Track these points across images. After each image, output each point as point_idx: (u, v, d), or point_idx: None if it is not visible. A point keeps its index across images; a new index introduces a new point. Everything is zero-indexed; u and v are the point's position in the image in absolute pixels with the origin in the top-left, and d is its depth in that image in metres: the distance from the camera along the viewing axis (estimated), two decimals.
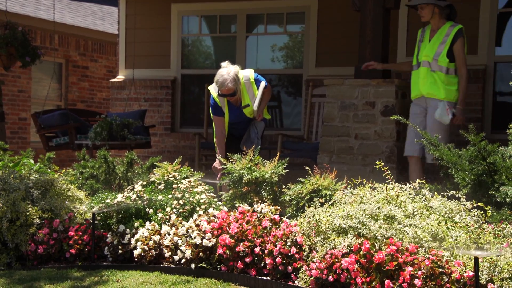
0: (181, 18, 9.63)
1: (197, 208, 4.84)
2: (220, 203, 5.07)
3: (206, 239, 4.40)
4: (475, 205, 3.94)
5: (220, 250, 4.31)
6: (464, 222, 3.75)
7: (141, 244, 4.63)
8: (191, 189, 5.05)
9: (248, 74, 6.24)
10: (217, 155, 6.12)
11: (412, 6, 6.10)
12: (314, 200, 4.54)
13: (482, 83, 7.72)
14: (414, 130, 5.72)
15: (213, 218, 4.57)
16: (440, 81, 5.84)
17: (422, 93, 5.92)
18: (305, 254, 4.03)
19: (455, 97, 5.87)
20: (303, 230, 4.07)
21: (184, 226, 4.60)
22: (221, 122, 6.25)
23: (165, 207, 4.87)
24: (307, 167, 4.93)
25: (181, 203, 4.87)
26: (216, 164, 6.00)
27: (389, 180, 4.30)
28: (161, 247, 4.64)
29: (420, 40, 6.05)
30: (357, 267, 3.65)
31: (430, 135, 4.90)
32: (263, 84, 6.24)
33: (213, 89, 6.24)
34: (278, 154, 5.42)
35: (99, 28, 13.40)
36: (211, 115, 6.35)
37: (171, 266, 4.53)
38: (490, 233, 3.59)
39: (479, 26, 7.74)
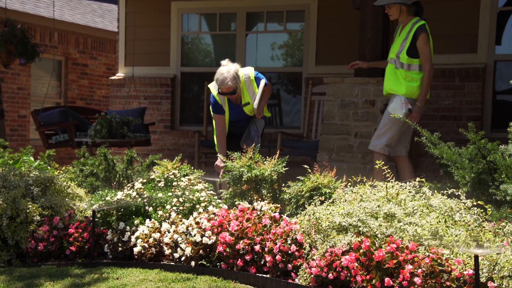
0: (181, 16, 9.63)
1: (197, 206, 4.84)
2: (220, 200, 5.07)
3: (206, 236, 4.40)
4: (475, 203, 3.94)
5: (220, 248, 4.31)
6: (464, 220, 3.75)
7: (141, 241, 4.64)
8: (191, 186, 5.05)
9: (248, 72, 6.24)
10: (218, 153, 6.13)
11: (380, 5, 6.07)
12: (314, 198, 4.54)
13: (481, 81, 7.73)
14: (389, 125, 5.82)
15: (213, 215, 4.58)
16: (401, 78, 5.80)
17: (387, 89, 5.91)
18: (305, 252, 4.03)
19: (416, 94, 5.80)
20: (303, 228, 4.07)
21: (184, 223, 4.61)
22: (222, 120, 6.25)
23: (165, 204, 4.88)
24: (306, 166, 4.93)
25: (181, 200, 4.87)
26: (218, 162, 6.01)
27: (389, 178, 4.30)
28: (161, 244, 4.64)
29: (394, 37, 6.07)
30: (357, 265, 3.66)
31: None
32: (263, 82, 6.24)
33: (213, 87, 6.24)
34: (277, 152, 5.42)
35: (99, 25, 13.40)
36: (212, 113, 6.35)
37: (171, 263, 4.54)
38: (490, 231, 3.59)
39: (479, 25, 7.75)
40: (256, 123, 6.31)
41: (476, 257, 3.32)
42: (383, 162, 4.48)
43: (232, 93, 6.11)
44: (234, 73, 6.06)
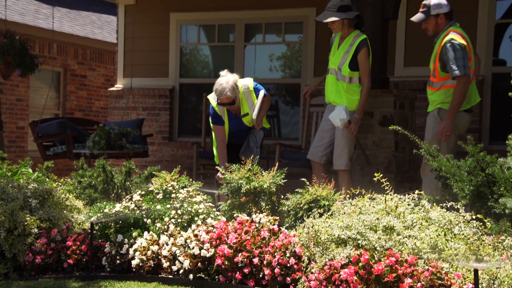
0: (180, 27, 9.65)
1: (196, 218, 4.83)
2: (218, 213, 5.05)
3: (205, 249, 4.39)
4: (474, 216, 3.94)
5: (218, 261, 4.29)
6: (463, 234, 3.74)
7: (139, 254, 4.62)
8: (189, 198, 5.04)
9: (247, 83, 6.25)
10: (219, 164, 6.13)
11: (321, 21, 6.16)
12: (312, 210, 4.53)
13: (480, 93, 7.72)
14: (321, 135, 6.06)
15: (212, 228, 4.56)
16: (343, 91, 5.93)
17: (327, 99, 6.06)
18: (304, 265, 4.02)
19: (357, 106, 5.92)
20: (302, 240, 4.06)
21: (182, 236, 4.59)
22: (222, 131, 6.26)
23: (164, 217, 4.86)
24: (304, 179, 4.92)
25: (180, 213, 4.86)
26: (220, 174, 6.01)
27: (388, 191, 4.29)
28: (159, 257, 4.62)
29: (332, 46, 6.15)
30: (356, 278, 3.64)
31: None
32: (262, 93, 6.25)
33: (212, 98, 6.25)
34: (276, 164, 5.42)
35: (98, 37, 13.42)
36: (211, 124, 6.36)
37: (169, 276, 4.51)
38: (490, 245, 3.59)
39: (477, 37, 7.77)
40: (255, 134, 6.31)
41: (476, 271, 3.31)
42: (381, 175, 4.47)
43: (231, 104, 6.11)
44: (233, 83, 6.07)
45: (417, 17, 5.65)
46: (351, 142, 5.99)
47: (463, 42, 5.48)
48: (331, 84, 6.02)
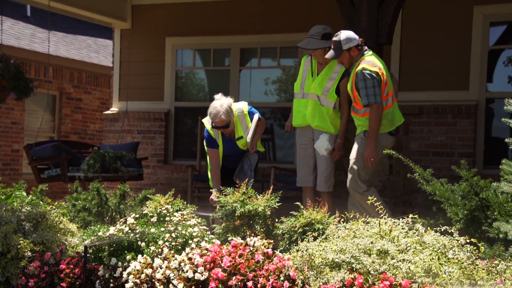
0: (175, 52, 9.70)
1: (190, 241, 4.82)
2: (212, 236, 5.04)
3: (199, 272, 4.37)
4: (468, 240, 3.94)
5: (212, 284, 4.27)
6: (457, 258, 3.74)
7: (133, 277, 4.60)
8: (183, 222, 5.03)
9: (242, 106, 6.29)
10: (212, 187, 6.16)
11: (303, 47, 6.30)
12: (307, 233, 4.53)
13: (474, 118, 7.79)
14: (305, 160, 6.16)
15: (206, 251, 4.55)
16: (327, 116, 6.10)
17: (310, 124, 6.15)
18: None
19: (339, 131, 6.15)
20: (296, 264, 4.05)
21: (176, 259, 4.57)
22: (216, 154, 6.28)
23: (158, 240, 4.85)
24: (298, 203, 4.92)
25: (174, 236, 4.85)
26: (213, 196, 6.02)
27: (382, 215, 4.30)
28: (153, 280, 4.60)
29: (305, 70, 6.25)
30: None
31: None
32: (256, 116, 6.28)
33: (207, 121, 6.28)
34: (271, 187, 5.42)
35: (94, 60, 13.48)
36: (206, 148, 6.37)
37: None
38: (484, 269, 3.59)
39: (471, 63, 7.84)
40: (249, 157, 6.33)
41: None
42: (375, 198, 4.48)
43: (225, 127, 6.14)
44: (227, 106, 6.11)
45: (330, 54, 5.80)
46: (334, 165, 6.18)
47: (374, 69, 5.58)
48: (312, 110, 6.14)
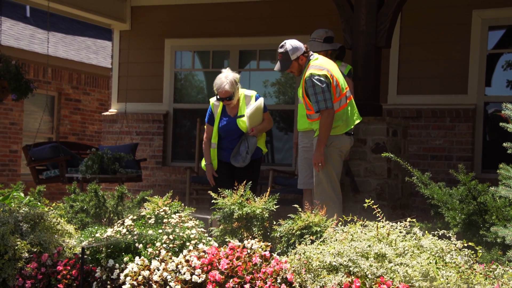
0: (174, 53, 9.71)
1: (187, 243, 4.81)
2: (210, 238, 5.04)
3: (196, 275, 4.37)
4: (465, 244, 3.94)
5: (209, 287, 4.27)
6: (454, 262, 3.74)
7: (130, 279, 4.59)
8: (181, 224, 5.02)
9: (251, 92, 6.45)
10: (205, 163, 6.49)
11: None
12: (304, 236, 4.53)
13: (472, 122, 7.80)
14: (307, 163, 6.08)
15: (203, 253, 4.54)
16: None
17: (313, 128, 6.01)
18: None
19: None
20: (293, 267, 4.05)
21: (173, 261, 4.57)
22: (210, 131, 6.45)
23: (155, 242, 4.84)
24: (297, 205, 4.92)
25: (171, 238, 4.84)
26: (207, 171, 6.46)
27: (380, 218, 4.30)
28: (150, 282, 4.59)
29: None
30: None
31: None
32: (262, 100, 6.33)
33: (213, 99, 6.45)
34: (269, 190, 5.42)
35: (93, 61, 13.48)
36: (206, 123, 6.55)
37: None
38: (481, 273, 3.59)
39: (469, 67, 7.86)
40: (247, 139, 6.31)
41: None
42: (374, 201, 4.48)
43: (229, 99, 6.23)
44: (232, 79, 6.23)
45: (278, 66, 5.78)
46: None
47: (322, 73, 5.55)
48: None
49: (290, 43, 5.66)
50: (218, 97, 6.30)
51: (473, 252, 3.88)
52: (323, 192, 5.70)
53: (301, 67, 5.70)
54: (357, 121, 5.84)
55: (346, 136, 5.77)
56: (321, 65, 5.64)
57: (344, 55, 6.28)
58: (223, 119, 6.37)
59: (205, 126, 6.58)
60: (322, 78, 5.52)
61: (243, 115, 6.28)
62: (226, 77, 6.23)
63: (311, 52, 5.75)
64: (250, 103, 6.32)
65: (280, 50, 5.70)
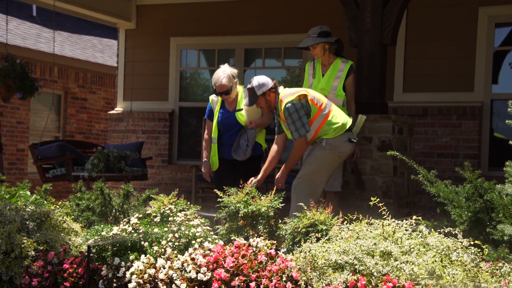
0: (180, 52, 9.71)
1: (193, 242, 4.81)
2: (216, 236, 5.04)
3: (201, 273, 4.37)
4: (472, 242, 3.93)
5: (215, 285, 4.27)
6: (461, 260, 3.73)
7: (136, 277, 4.60)
8: (187, 222, 5.03)
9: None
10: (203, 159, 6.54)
11: (304, 48, 6.34)
12: (310, 234, 4.52)
13: (478, 120, 7.77)
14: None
15: (209, 251, 4.55)
16: None
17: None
18: None
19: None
20: (299, 265, 4.04)
21: (179, 259, 4.57)
22: (210, 126, 6.52)
23: (161, 240, 4.85)
24: (302, 203, 4.91)
25: (177, 236, 4.85)
26: (204, 169, 6.55)
27: (385, 216, 4.29)
28: (156, 280, 4.60)
29: (310, 74, 6.30)
30: None
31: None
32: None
33: (213, 95, 6.54)
34: (274, 188, 5.42)
35: (99, 60, 13.50)
36: (205, 119, 6.64)
37: None
38: (487, 271, 3.57)
39: (476, 64, 7.83)
40: (246, 132, 6.34)
41: None
42: (378, 199, 4.47)
43: (226, 93, 6.30)
44: (230, 73, 6.31)
45: (245, 102, 5.89)
46: (341, 164, 6.14)
47: (294, 97, 5.62)
48: None
49: (257, 79, 5.77)
50: (216, 91, 6.37)
51: (479, 250, 3.87)
52: (301, 189, 5.71)
53: (269, 103, 5.80)
54: (350, 120, 5.84)
55: (349, 143, 5.79)
56: (290, 91, 5.75)
57: (343, 50, 6.27)
58: (221, 113, 6.41)
59: (205, 123, 6.65)
60: (295, 102, 5.61)
61: (242, 109, 6.33)
62: (224, 71, 6.31)
63: (280, 88, 5.82)
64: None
65: (248, 86, 5.83)
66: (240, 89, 6.44)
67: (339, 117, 5.75)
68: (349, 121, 5.80)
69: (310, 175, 5.68)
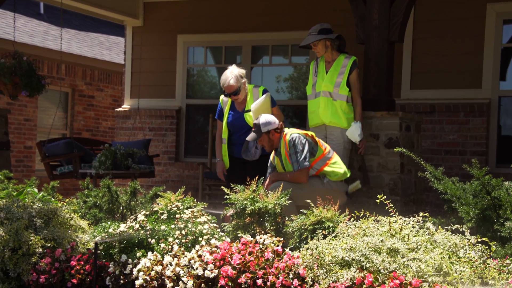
0: (187, 49, 9.71)
1: (200, 239, 4.82)
2: (222, 233, 5.05)
3: (208, 270, 4.37)
4: (479, 239, 3.91)
5: (222, 282, 4.28)
6: (468, 257, 3.72)
7: (143, 274, 4.61)
8: (194, 219, 5.03)
9: (259, 86, 6.55)
10: (217, 159, 6.58)
11: (305, 47, 6.31)
12: (317, 232, 4.52)
13: (486, 116, 7.74)
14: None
15: (216, 249, 4.55)
16: (341, 110, 6.11)
17: (323, 121, 6.18)
18: (307, 286, 3.99)
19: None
20: (305, 262, 4.04)
21: (186, 256, 4.58)
22: (220, 126, 6.56)
23: (168, 237, 4.85)
24: (308, 200, 4.91)
25: (184, 233, 4.85)
26: (219, 169, 6.54)
27: (392, 213, 4.28)
28: (163, 277, 4.61)
29: (314, 72, 6.28)
30: None
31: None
32: (269, 94, 6.40)
33: (222, 94, 6.55)
34: (281, 185, 5.42)
35: (106, 58, 13.52)
36: (216, 119, 6.67)
37: None
38: (495, 268, 3.56)
39: (483, 61, 7.79)
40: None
41: None
42: (385, 196, 4.47)
43: (235, 94, 6.31)
44: (237, 74, 6.33)
45: (250, 136, 5.89)
46: (347, 161, 6.17)
47: (301, 133, 5.70)
48: (324, 106, 6.14)
49: (265, 117, 5.81)
50: (225, 92, 6.37)
51: (487, 247, 3.86)
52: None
53: (272, 142, 5.82)
54: (349, 174, 5.84)
55: (344, 194, 5.79)
56: (298, 129, 5.83)
57: (345, 46, 6.26)
58: (231, 114, 6.42)
59: (217, 122, 6.68)
60: (301, 136, 5.67)
61: (250, 110, 6.33)
62: (231, 72, 6.32)
63: (285, 129, 5.87)
64: (257, 96, 6.38)
65: (255, 121, 5.87)
66: (249, 88, 6.44)
67: (341, 164, 5.81)
68: (348, 172, 5.83)
69: (294, 195, 5.57)
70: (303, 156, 5.60)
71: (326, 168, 5.71)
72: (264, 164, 6.37)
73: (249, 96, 6.40)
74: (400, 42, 6.57)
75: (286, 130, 5.85)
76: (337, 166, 5.75)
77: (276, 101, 6.50)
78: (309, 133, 5.78)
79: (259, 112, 6.25)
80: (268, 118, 5.82)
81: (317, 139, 5.76)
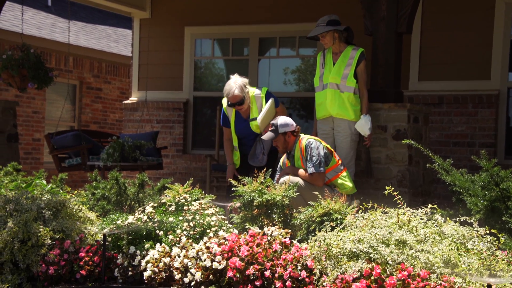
0: (194, 41, 9.71)
1: (208, 231, 4.83)
2: (230, 225, 5.05)
3: (216, 261, 4.38)
4: (488, 231, 3.90)
5: (230, 273, 4.29)
6: (476, 249, 3.71)
7: (151, 266, 4.63)
8: (201, 211, 5.04)
9: (260, 90, 6.48)
10: (227, 163, 6.54)
11: (313, 38, 6.31)
12: (325, 223, 4.52)
13: (495, 108, 7.70)
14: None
15: (223, 240, 4.56)
16: (348, 102, 6.11)
17: (331, 113, 6.18)
18: (315, 278, 4.00)
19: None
20: (313, 254, 4.05)
21: (194, 248, 4.59)
22: (228, 132, 6.55)
23: (176, 229, 4.87)
24: (316, 192, 4.91)
25: (192, 225, 4.86)
26: (229, 172, 6.48)
27: (400, 205, 4.27)
28: (171, 269, 4.62)
29: (322, 63, 6.28)
30: None
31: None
32: (272, 100, 6.33)
33: (225, 100, 6.48)
34: (289, 177, 5.42)
35: (113, 50, 13.53)
36: (221, 125, 6.65)
37: None
38: (503, 260, 3.55)
39: (492, 52, 7.75)
40: (263, 140, 6.35)
41: (489, 286, 3.28)
42: (393, 188, 4.46)
43: (240, 104, 6.30)
44: (241, 83, 6.30)
45: (267, 135, 5.90)
46: (354, 153, 6.20)
47: (317, 139, 5.77)
48: (332, 98, 6.15)
49: (284, 119, 5.87)
50: (229, 103, 6.33)
51: (495, 238, 3.85)
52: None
53: (286, 144, 5.86)
54: (355, 191, 5.85)
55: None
56: (313, 136, 5.88)
57: (353, 38, 6.24)
58: (237, 123, 6.45)
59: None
60: (318, 143, 5.73)
61: (255, 118, 6.31)
62: (235, 82, 6.29)
63: (301, 134, 5.90)
64: (260, 103, 6.36)
65: (273, 121, 5.91)
66: (251, 95, 6.39)
67: (350, 179, 5.85)
68: (354, 189, 5.85)
69: (300, 187, 5.60)
70: (318, 161, 5.63)
71: (337, 180, 5.74)
72: (274, 159, 6.38)
73: (252, 104, 6.38)
74: (409, 33, 6.53)
75: (302, 135, 5.88)
76: (347, 179, 5.79)
77: (278, 100, 6.48)
78: (326, 144, 5.82)
79: (266, 121, 6.28)
80: (286, 120, 5.86)
81: (331, 149, 5.81)
